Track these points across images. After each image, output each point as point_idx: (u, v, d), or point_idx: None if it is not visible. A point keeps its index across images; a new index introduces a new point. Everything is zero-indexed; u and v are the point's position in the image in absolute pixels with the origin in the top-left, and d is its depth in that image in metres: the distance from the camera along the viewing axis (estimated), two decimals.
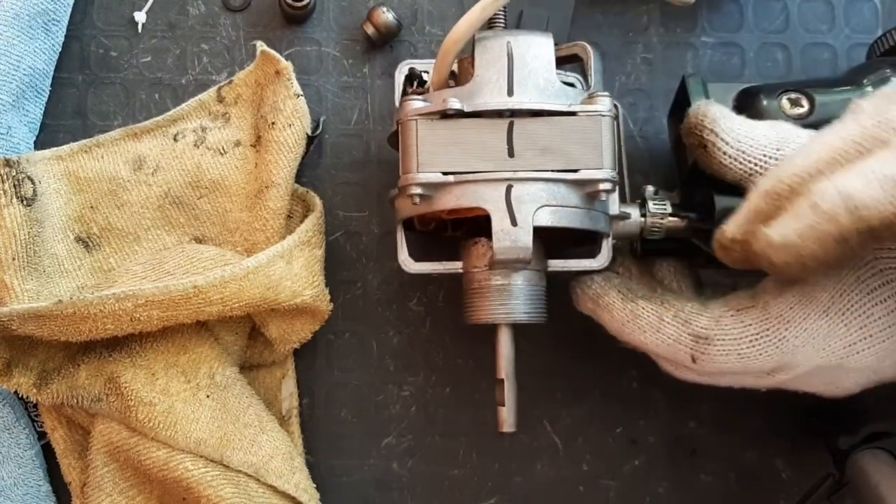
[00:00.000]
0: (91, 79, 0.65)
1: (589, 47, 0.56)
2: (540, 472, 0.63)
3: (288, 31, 0.66)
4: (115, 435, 0.57)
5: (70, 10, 0.64)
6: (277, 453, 0.58)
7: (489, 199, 0.50)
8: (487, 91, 0.51)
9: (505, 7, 0.53)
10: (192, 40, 0.66)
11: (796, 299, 0.49)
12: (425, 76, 0.56)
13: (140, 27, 0.65)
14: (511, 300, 0.53)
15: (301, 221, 0.61)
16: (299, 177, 0.62)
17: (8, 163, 0.57)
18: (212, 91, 0.63)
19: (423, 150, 0.51)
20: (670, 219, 0.56)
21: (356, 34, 0.66)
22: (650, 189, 0.57)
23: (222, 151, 0.62)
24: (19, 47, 0.60)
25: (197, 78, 0.65)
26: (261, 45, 0.62)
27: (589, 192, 0.51)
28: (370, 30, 0.64)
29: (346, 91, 0.65)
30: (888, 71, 0.55)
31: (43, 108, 0.64)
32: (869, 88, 0.54)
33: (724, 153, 0.51)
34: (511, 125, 0.51)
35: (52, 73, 0.64)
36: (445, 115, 0.51)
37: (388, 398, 0.63)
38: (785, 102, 0.54)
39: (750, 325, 0.49)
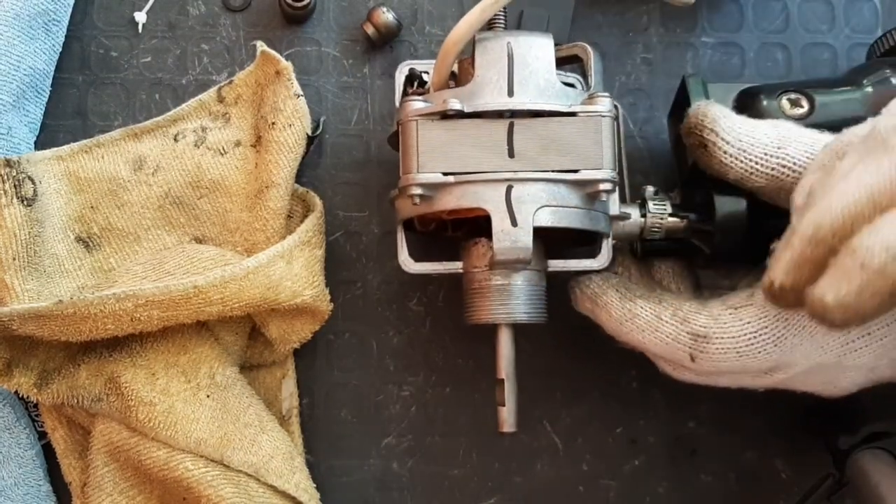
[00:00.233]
0: (91, 79, 0.65)
1: (589, 48, 0.56)
2: (540, 472, 0.63)
3: (288, 31, 0.66)
4: (116, 435, 0.57)
5: (70, 10, 0.64)
6: (277, 453, 0.58)
7: (489, 200, 0.50)
8: (488, 91, 0.51)
9: (505, 8, 0.53)
10: (192, 40, 0.66)
11: None
12: (425, 77, 0.56)
13: (140, 27, 0.65)
14: (511, 300, 0.53)
15: (301, 221, 0.61)
16: (299, 177, 0.62)
17: (8, 163, 0.57)
18: (212, 91, 0.63)
19: (424, 151, 0.51)
20: (670, 219, 0.56)
21: (356, 34, 0.66)
22: (650, 189, 0.57)
23: (222, 151, 0.62)
24: (20, 47, 0.60)
25: (197, 78, 0.65)
26: (261, 46, 0.62)
27: (589, 193, 0.51)
28: (370, 30, 0.64)
29: (346, 91, 0.65)
30: (888, 71, 0.55)
31: (43, 109, 0.64)
32: (869, 89, 0.54)
33: (725, 152, 0.51)
34: (511, 126, 0.51)
35: (52, 73, 0.64)
36: (446, 115, 0.51)
37: (388, 398, 0.63)
38: (785, 102, 0.54)
39: (749, 322, 0.49)
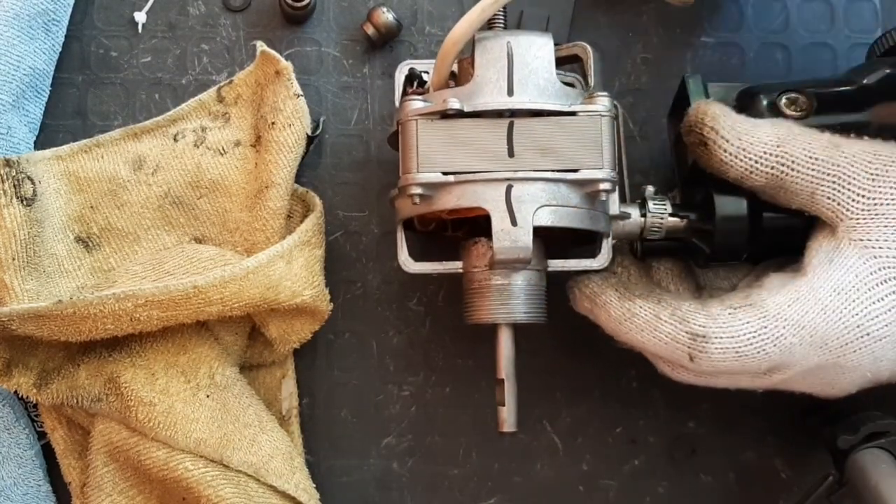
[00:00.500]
0: (91, 79, 0.65)
1: (588, 47, 0.56)
2: (540, 472, 0.63)
3: (288, 31, 0.66)
4: (115, 435, 0.57)
5: (70, 10, 0.64)
6: (277, 453, 0.58)
7: (489, 199, 0.50)
8: (487, 91, 0.51)
9: (505, 7, 0.53)
10: (192, 40, 0.66)
11: (794, 297, 0.49)
12: (425, 76, 0.56)
13: (140, 27, 0.65)
14: (511, 300, 0.53)
15: (301, 221, 0.61)
16: (299, 177, 0.62)
17: (8, 163, 0.57)
18: (212, 91, 0.63)
19: (423, 150, 0.51)
20: (670, 219, 0.56)
21: (356, 34, 0.66)
22: (650, 189, 0.57)
23: (222, 151, 0.62)
24: (19, 47, 0.60)
25: (197, 78, 0.65)
26: (261, 45, 0.62)
27: (589, 192, 0.51)
28: (370, 30, 0.64)
29: (346, 91, 0.65)
30: (888, 71, 0.55)
31: (43, 108, 0.64)
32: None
33: (725, 150, 0.51)
34: (511, 125, 0.51)
35: (52, 73, 0.64)
36: (445, 115, 0.51)
37: (388, 398, 0.63)
38: (785, 102, 0.54)
39: (748, 322, 0.49)
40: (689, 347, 0.50)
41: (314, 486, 0.60)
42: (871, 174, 0.49)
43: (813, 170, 0.50)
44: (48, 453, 0.60)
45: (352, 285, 0.64)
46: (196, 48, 0.66)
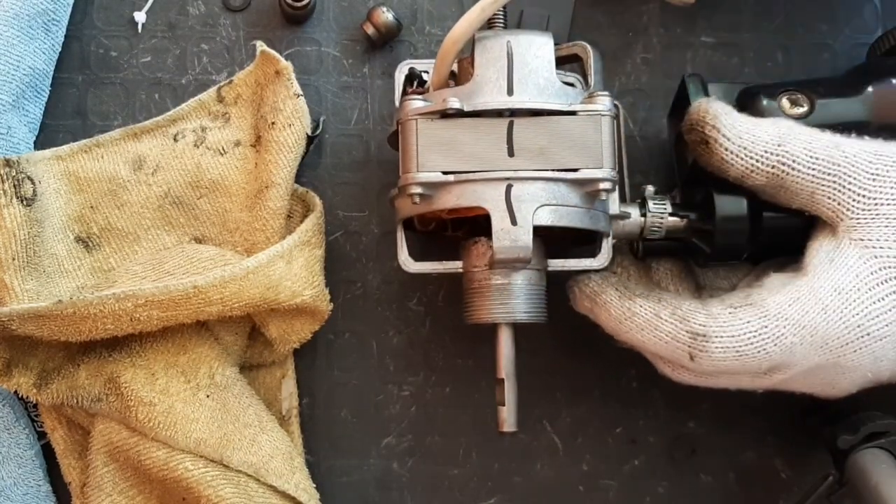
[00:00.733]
0: (91, 79, 0.65)
1: (588, 47, 0.56)
2: (540, 472, 0.63)
3: (288, 31, 0.66)
4: (115, 435, 0.57)
5: (70, 10, 0.64)
6: (277, 453, 0.58)
7: (489, 199, 0.50)
8: (487, 90, 0.51)
9: (505, 7, 0.53)
10: (192, 40, 0.66)
11: (794, 297, 0.49)
12: (425, 76, 0.56)
13: (140, 27, 0.65)
14: (511, 300, 0.52)
15: (301, 221, 0.61)
16: (299, 177, 0.62)
17: (8, 163, 0.57)
18: (212, 91, 0.63)
19: (423, 150, 0.51)
20: (670, 218, 0.56)
21: (356, 34, 0.66)
22: (650, 189, 0.57)
23: (222, 151, 0.62)
24: (19, 47, 0.60)
25: (197, 78, 0.65)
26: (261, 45, 0.62)
27: (589, 192, 0.51)
28: (370, 30, 0.64)
29: (346, 91, 0.65)
30: (888, 71, 0.55)
31: (43, 108, 0.64)
32: (869, 88, 0.54)
33: (726, 149, 0.51)
34: (511, 124, 0.51)
35: (52, 73, 0.64)
36: (445, 114, 0.51)
37: (388, 398, 0.63)
38: (785, 102, 0.54)
39: (748, 321, 0.49)
40: (689, 346, 0.50)
41: (314, 486, 0.60)
42: (872, 174, 0.49)
43: (813, 169, 0.50)
44: (48, 453, 0.60)
45: (352, 285, 0.64)
46: (196, 48, 0.66)
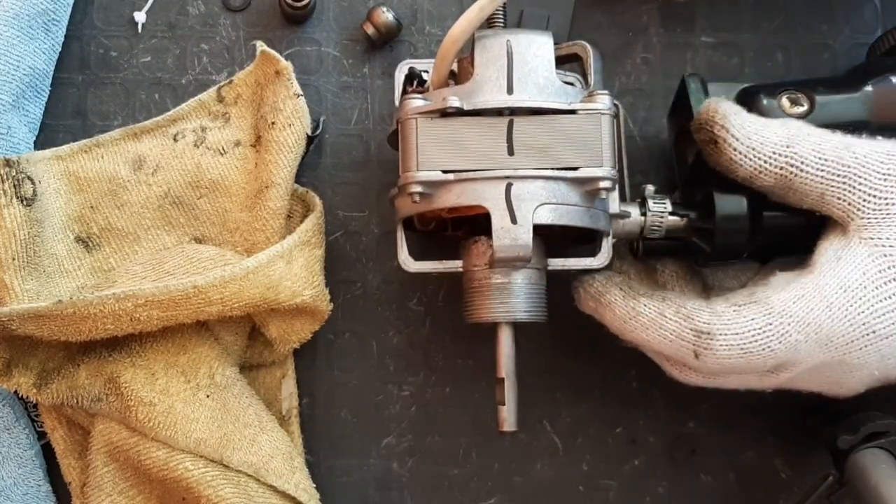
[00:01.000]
0: (91, 79, 0.65)
1: (588, 46, 0.56)
2: (540, 472, 0.63)
3: (288, 31, 0.66)
4: (115, 435, 0.57)
5: (70, 10, 0.64)
6: (277, 453, 0.58)
7: (489, 198, 0.50)
8: (487, 89, 0.51)
9: (504, 6, 0.53)
10: (192, 40, 0.66)
11: (799, 294, 0.49)
12: (425, 76, 0.56)
13: (140, 27, 0.65)
14: (511, 299, 0.52)
15: (301, 221, 0.61)
16: (299, 177, 0.62)
17: (8, 163, 0.57)
18: (212, 91, 0.63)
19: (423, 149, 0.51)
20: (670, 217, 0.56)
21: (356, 34, 0.66)
22: (650, 188, 0.57)
23: (222, 151, 0.62)
24: (19, 47, 0.60)
25: (197, 78, 0.65)
26: (261, 45, 0.62)
27: (589, 191, 0.51)
28: (370, 30, 0.64)
29: (346, 91, 0.65)
30: (888, 71, 0.55)
31: (43, 108, 0.64)
32: (869, 88, 0.54)
33: (735, 149, 0.51)
34: (511, 123, 0.51)
35: (52, 73, 0.64)
36: (445, 113, 0.51)
37: (388, 398, 0.63)
38: (785, 101, 0.54)
39: (753, 319, 0.49)
40: (693, 345, 0.50)
41: (314, 486, 0.60)
42: (884, 174, 0.49)
43: (822, 171, 0.50)
44: (48, 453, 0.60)
45: (352, 285, 0.64)
46: (196, 48, 0.66)
